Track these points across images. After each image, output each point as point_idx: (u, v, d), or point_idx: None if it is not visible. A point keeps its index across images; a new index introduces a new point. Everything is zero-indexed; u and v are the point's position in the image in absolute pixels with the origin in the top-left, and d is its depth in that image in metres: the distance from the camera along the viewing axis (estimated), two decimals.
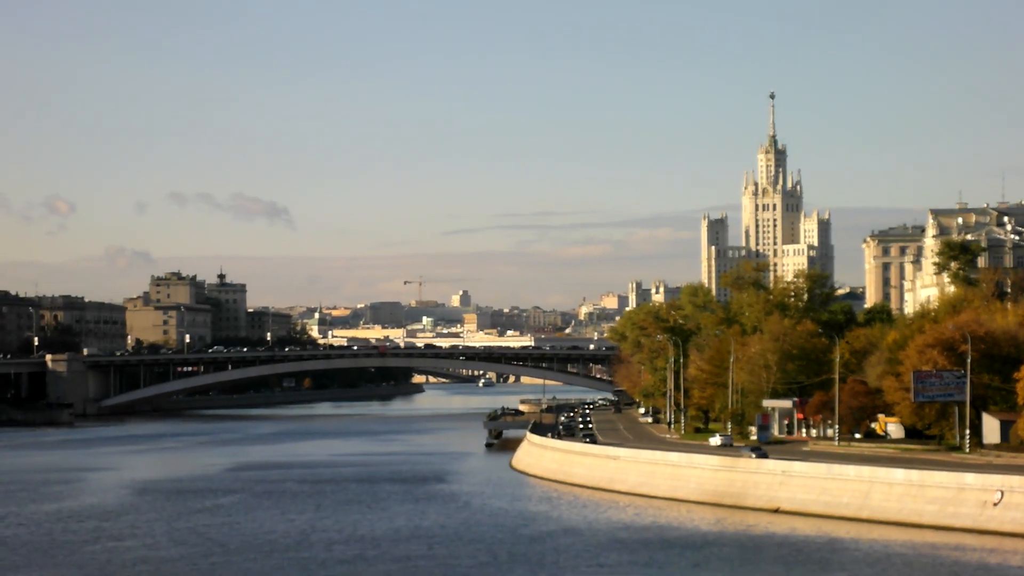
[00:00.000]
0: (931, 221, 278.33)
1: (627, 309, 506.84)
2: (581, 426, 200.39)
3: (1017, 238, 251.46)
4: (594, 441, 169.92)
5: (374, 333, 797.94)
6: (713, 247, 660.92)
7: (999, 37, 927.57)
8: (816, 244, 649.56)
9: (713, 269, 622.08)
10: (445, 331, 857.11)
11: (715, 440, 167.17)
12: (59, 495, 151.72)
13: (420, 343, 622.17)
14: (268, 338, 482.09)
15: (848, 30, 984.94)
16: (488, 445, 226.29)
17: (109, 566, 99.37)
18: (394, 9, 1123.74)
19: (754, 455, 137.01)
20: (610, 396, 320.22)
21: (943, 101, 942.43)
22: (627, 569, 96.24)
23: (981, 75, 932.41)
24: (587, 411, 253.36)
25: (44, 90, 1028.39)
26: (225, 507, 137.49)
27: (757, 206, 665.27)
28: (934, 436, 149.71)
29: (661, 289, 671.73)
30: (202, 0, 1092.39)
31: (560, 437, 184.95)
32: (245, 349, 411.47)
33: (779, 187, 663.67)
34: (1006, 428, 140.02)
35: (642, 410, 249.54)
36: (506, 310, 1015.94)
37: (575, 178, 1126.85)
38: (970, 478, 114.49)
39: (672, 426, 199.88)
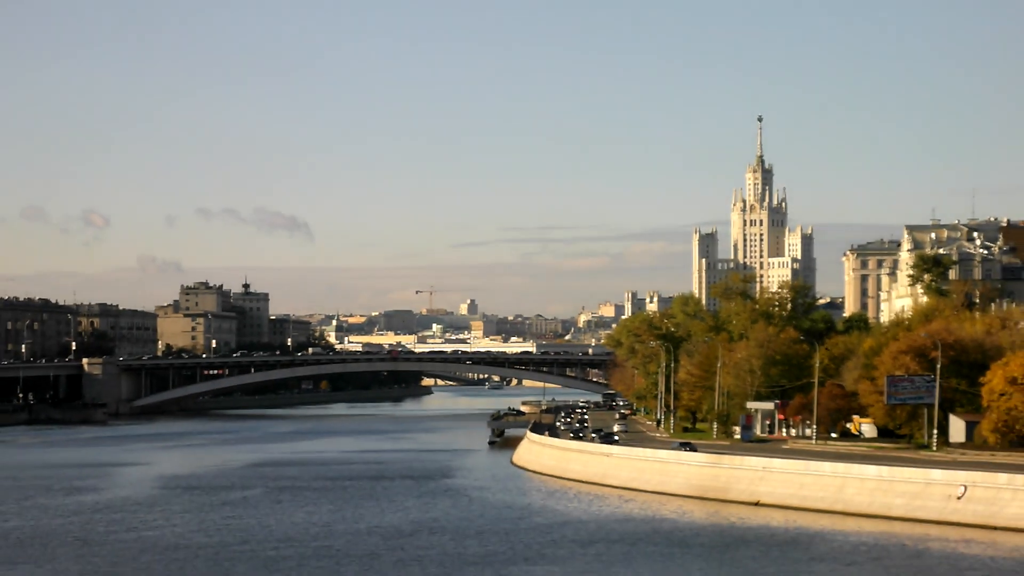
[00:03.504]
0: (906, 236, 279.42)
1: (623, 317, 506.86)
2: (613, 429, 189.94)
3: (985, 252, 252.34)
4: (694, 449, 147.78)
5: (387, 339, 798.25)
6: (704, 260, 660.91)
7: (967, 70, 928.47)
8: (799, 257, 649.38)
9: (703, 280, 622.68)
10: (453, 337, 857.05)
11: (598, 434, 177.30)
12: (95, 488, 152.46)
13: (430, 348, 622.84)
14: (289, 343, 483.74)
15: (832, 59, 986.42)
16: (491, 443, 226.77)
17: (144, 554, 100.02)
18: (409, 43, 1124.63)
19: None
20: (598, 399, 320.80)
21: (919, 125, 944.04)
22: (623, 558, 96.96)
23: (954, 102, 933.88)
24: (584, 413, 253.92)
25: (81, 112, 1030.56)
26: (249, 500, 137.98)
27: (745, 221, 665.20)
28: (904, 435, 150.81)
29: (655, 299, 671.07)
30: (226, 34, 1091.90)
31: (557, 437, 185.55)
32: (268, 354, 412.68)
33: (765, 204, 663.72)
34: (971, 428, 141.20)
35: (626, 411, 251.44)
36: (510, 318, 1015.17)
37: (576, 195, 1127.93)
38: (936, 474, 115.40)
39: (662, 425, 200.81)
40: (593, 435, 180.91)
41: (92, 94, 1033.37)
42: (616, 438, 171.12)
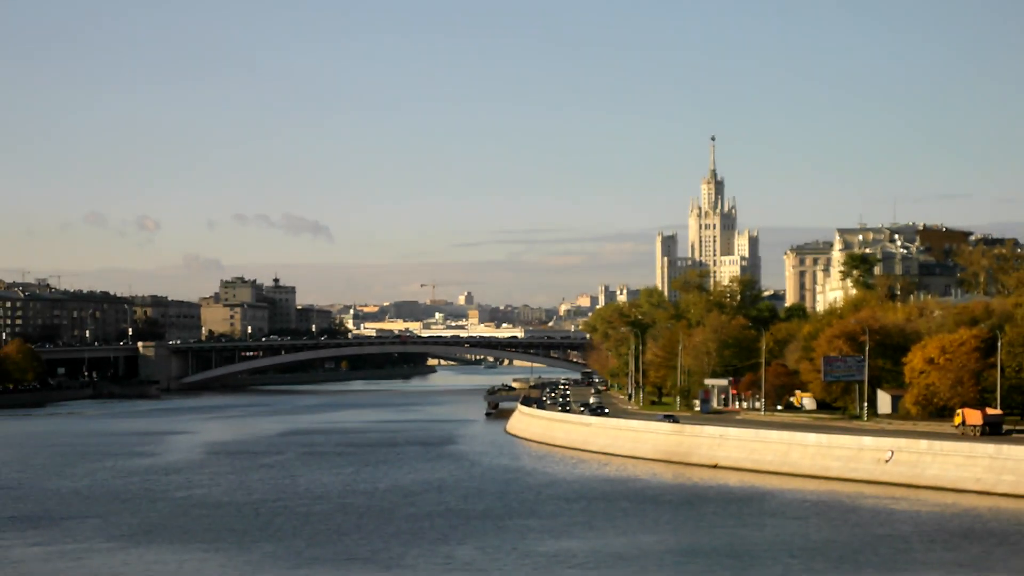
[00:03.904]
0: (838, 238, 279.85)
1: (598, 307, 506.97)
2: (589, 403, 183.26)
3: (905, 252, 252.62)
4: (676, 421, 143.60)
5: (397, 325, 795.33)
6: (666, 258, 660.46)
7: (887, 99, 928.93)
8: (747, 256, 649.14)
9: (666, 276, 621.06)
10: (453, 324, 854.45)
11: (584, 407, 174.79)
12: (150, 453, 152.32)
13: (433, 334, 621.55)
14: (313, 329, 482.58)
15: (775, 87, 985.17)
16: (487, 414, 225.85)
17: (194, 509, 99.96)
18: (415, 75, 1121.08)
19: None
20: (577, 376, 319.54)
21: (849, 142, 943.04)
22: (603, 512, 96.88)
23: (879, 124, 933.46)
24: (566, 389, 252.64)
25: (135, 133, 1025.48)
26: (282, 463, 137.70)
27: (701, 225, 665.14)
28: (839, 408, 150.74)
29: (624, 291, 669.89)
30: (259, 65, 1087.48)
31: (550, 409, 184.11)
32: (296, 338, 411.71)
33: (718, 210, 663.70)
34: (896, 401, 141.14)
35: (601, 387, 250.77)
36: (501, 307, 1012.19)
37: (557, 203, 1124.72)
38: (867, 440, 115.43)
39: (632, 399, 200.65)
40: (582, 408, 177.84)
41: (145, 117, 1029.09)
42: (607, 411, 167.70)
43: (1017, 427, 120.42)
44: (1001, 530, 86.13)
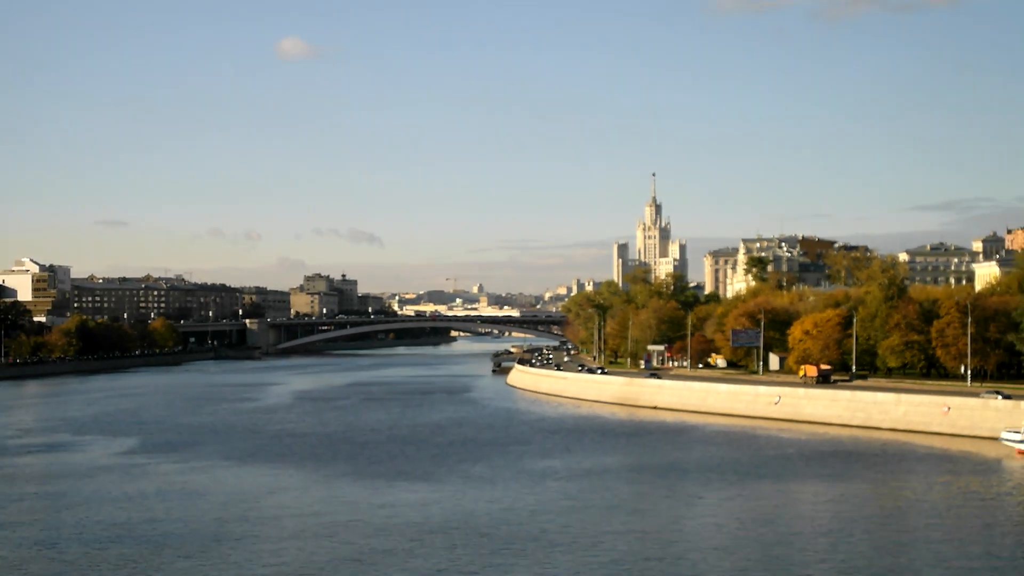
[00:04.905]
0: (742, 245, 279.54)
1: (572, 295, 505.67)
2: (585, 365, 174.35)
3: (789, 255, 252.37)
4: (659, 377, 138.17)
5: (429, 308, 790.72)
6: (620, 259, 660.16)
7: (780, 142, 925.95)
8: (678, 258, 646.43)
9: (620, 272, 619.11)
10: (469, 307, 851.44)
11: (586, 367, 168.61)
12: (255, 398, 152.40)
13: (455, 314, 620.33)
14: (370, 311, 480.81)
15: (697, 136, 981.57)
16: (493, 371, 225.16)
17: (287, 438, 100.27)
18: (441, 122, 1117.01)
19: None
20: (556, 344, 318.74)
21: (751, 177, 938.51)
22: (576, 440, 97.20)
23: (771, 163, 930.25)
24: (549, 353, 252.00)
25: (244, 167, 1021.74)
26: (347, 406, 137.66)
27: (645, 236, 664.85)
28: (743, 366, 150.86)
29: (591, 283, 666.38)
30: (330, 116, 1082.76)
31: (542, 367, 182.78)
32: (357, 317, 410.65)
33: (657, 226, 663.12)
34: (782, 361, 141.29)
35: (573, 352, 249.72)
36: (504, 295, 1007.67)
37: (544, 220, 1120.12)
38: (762, 389, 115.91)
39: (596, 360, 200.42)
40: (579, 368, 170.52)
41: (251, 158, 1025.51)
42: (605, 370, 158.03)
43: (842, 378, 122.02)
44: (857, 451, 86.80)
